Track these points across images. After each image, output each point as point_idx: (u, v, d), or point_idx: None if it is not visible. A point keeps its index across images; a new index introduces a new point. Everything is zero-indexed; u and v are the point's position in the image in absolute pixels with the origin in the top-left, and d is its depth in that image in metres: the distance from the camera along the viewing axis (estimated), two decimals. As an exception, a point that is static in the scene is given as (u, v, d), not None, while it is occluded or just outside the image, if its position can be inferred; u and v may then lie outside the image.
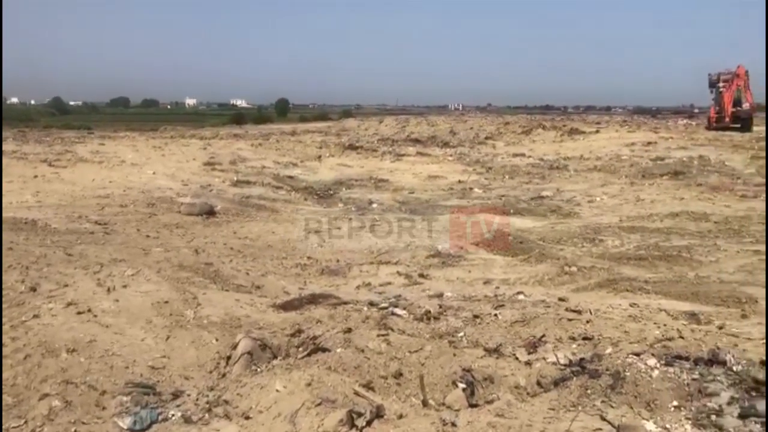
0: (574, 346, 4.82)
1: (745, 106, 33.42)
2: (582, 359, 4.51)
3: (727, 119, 33.39)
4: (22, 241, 7.92)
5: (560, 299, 6.77)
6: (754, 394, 3.79)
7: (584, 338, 4.98)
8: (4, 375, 4.17)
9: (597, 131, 33.25)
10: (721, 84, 34.43)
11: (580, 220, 12.61)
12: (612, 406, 3.83)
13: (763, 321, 6.21)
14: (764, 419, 3.52)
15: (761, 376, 3.96)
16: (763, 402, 3.66)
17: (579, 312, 5.90)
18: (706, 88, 36.23)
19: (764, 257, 9.00)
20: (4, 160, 17.00)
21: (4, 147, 20.61)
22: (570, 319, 5.51)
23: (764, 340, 4.90)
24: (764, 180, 17.06)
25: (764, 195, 14.82)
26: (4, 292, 5.60)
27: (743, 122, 32.81)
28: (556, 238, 10.57)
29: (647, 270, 8.64)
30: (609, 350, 4.58)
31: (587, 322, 5.42)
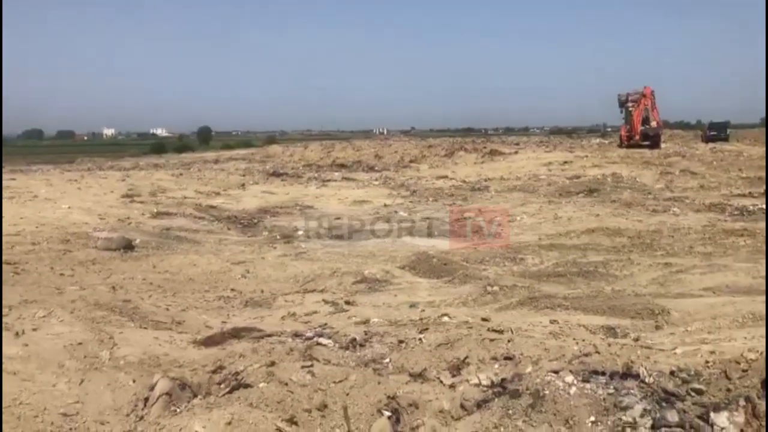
0: (497, 366, 4.89)
1: (653, 124, 35.31)
2: (503, 380, 4.59)
3: (637, 137, 35.19)
4: None
5: (483, 319, 6.89)
6: (664, 404, 3.95)
7: (506, 358, 5.07)
8: None
9: (516, 152, 34.39)
10: (630, 104, 36.28)
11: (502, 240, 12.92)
12: (533, 426, 3.91)
13: (675, 331, 6.52)
14: (673, 429, 3.68)
15: (671, 386, 4.14)
16: (674, 411, 3.83)
17: (501, 332, 6.00)
18: (616, 108, 38.06)
19: (674, 269, 9.46)
20: None
21: None
22: (492, 339, 5.59)
23: (675, 350, 5.14)
24: (673, 195, 17.97)
25: (672, 210, 15.61)
26: None
27: (652, 140, 34.67)
28: (479, 259, 10.78)
29: (566, 286, 8.91)
30: (529, 369, 4.67)
31: (509, 341, 5.52)
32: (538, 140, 47.37)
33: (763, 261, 9.52)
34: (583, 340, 5.50)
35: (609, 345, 5.26)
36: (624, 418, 3.84)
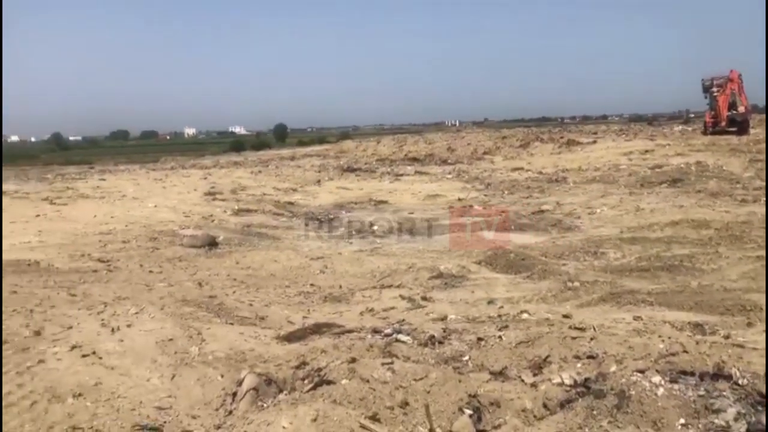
0: (579, 365, 4.81)
1: (741, 109, 33.55)
2: (587, 379, 4.51)
3: (723, 123, 33.52)
4: (26, 284, 7.95)
5: (564, 316, 6.78)
6: (760, 408, 3.79)
7: (589, 357, 4.98)
8: (12, 423, 4.17)
9: (594, 141, 33.40)
10: (715, 89, 34.60)
11: (581, 233, 12.63)
12: (618, 427, 3.84)
13: (769, 329, 6.22)
14: None
15: (767, 389, 3.97)
16: (769, 415, 3.67)
17: (583, 329, 5.91)
18: (700, 93, 36.39)
19: (766, 263, 9.01)
20: (7, 201, 17.11)
21: (5, 187, 20.75)
22: (574, 337, 5.51)
23: (768, 349, 4.92)
24: (764, 183, 17.07)
25: (764, 198, 14.83)
26: (9, 338, 5.63)
27: (740, 126, 32.93)
28: (558, 253, 10.58)
29: (650, 281, 8.64)
30: (613, 368, 4.57)
31: (591, 339, 5.42)
32: (617, 128, 45.81)
33: None
34: (669, 338, 5.32)
35: (697, 343, 5.08)
36: (716, 421, 3.70)
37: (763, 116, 43.86)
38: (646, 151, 27.38)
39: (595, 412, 4.03)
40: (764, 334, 5.94)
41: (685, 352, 4.76)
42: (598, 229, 12.89)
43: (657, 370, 4.37)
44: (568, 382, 4.54)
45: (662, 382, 4.16)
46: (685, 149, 26.79)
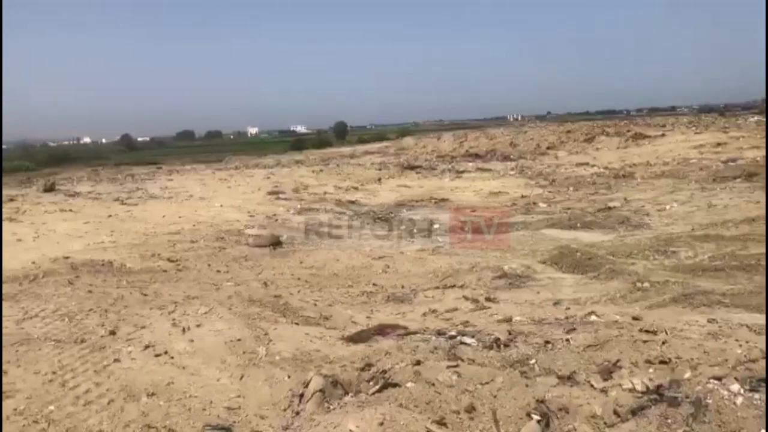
0: (651, 370, 4.66)
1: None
2: (659, 386, 4.37)
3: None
4: (100, 284, 8.28)
5: (634, 318, 6.58)
6: None
7: (661, 362, 4.82)
8: (90, 421, 4.34)
9: (663, 135, 32.36)
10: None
11: (651, 231, 12.25)
12: (695, 437, 3.70)
13: None
14: None
15: None
16: None
17: (654, 332, 5.71)
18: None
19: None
20: (81, 202, 17.86)
21: (80, 188, 21.67)
22: (645, 341, 5.34)
23: None
24: None
25: None
26: (86, 337, 5.87)
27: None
28: (626, 252, 10.30)
29: (724, 282, 8.31)
30: (688, 374, 4.42)
31: (663, 343, 5.24)
32: (686, 120, 44.09)
33: None
34: (747, 342, 5.10)
35: (778, 349, 4.85)
36: (801, 434, 3.53)
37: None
38: (719, 144, 26.33)
39: (669, 421, 3.90)
40: None
41: (765, 358, 4.56)
42: (668, 227, 12.48)
43: (735, 378, 4.19)
44: (639, 388, 4.40)
45: (741, 391, 4.00)
46: (761, 141, 25.58)
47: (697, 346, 5.03)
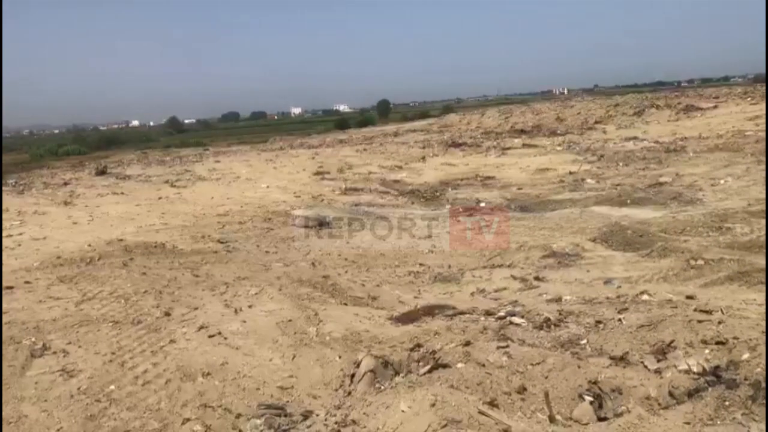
0: (707, 351, 4.56)
1: None
2: (716, 367, 4.27)
3: None
4: (154, 265, 8.49)
5: (688, 297, 6.43)
6: None
7: (717, 342, 4.69)
8: (150, 400, 4.48)
9: (715, 106, 31.32)
10: None
11: (704, 206, 11.90)
12: (755, 420, 3.61)
13: None
14: None
15: None
16: None
17: (709, 312, 5.57)
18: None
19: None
20: (132, 184, 18.30)
21: (131, 171, 22.19)
22: (700, 321, 5.21)
23: None
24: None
25: None
26: (142, 318, 6.04)
27: None
28: (679, 229, 10.03)
29: (783, 258, 8.03)
30: (746, 356, 4.30)
31: (719, 323, 5.10)
32: (741, 91, 42.44)
33: None
34: (809, 322, 4.93)
35: (842, 329, 4.68)
36: None
37: None
38: (776, 115, 25.33)
39: (727, 403, 3.81)
40: None
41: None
42: (722, 202, 12.10)
43: (797, 359, 4.07)
44: (695, 369, 4.31)
45: (803, 373, 3.88)
46: (822, 111, 24.54)
47: (755, 326, 4.89)
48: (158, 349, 5.26)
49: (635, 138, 25.53)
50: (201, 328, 5.71)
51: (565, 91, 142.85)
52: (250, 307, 6.35)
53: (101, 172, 21.06)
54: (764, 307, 5.89)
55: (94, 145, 58.09)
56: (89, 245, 10.01)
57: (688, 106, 32.65)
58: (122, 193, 16.44)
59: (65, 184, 18.54)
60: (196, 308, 6.33)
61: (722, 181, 14.26)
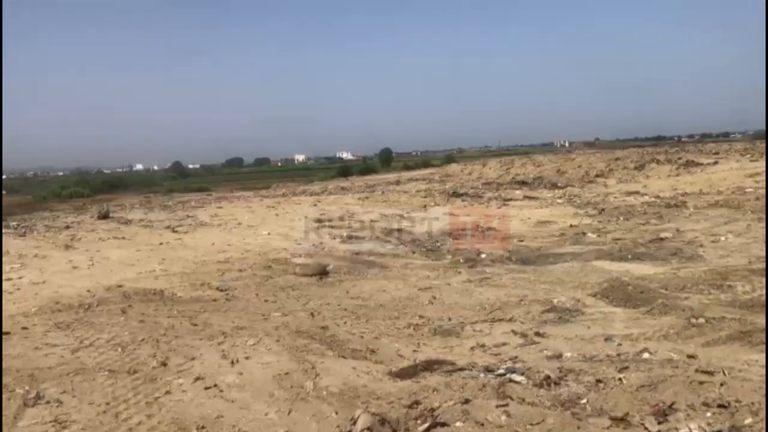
0: (709, 414, 4.50)
1: None
2: (719, 431, 4.21)
3: None
4: (152, 313, 8.45)
5: (689, 356, 6.38)
6: None
7: (719, 405, 4.65)
8: (142, 454, 4.41)
9: (716, 162, 31.59)
10: None
11: (705, 263, 11.88)
12: (758, 489, 3.54)
13: None
14: None
15: None
16: None
17: (711, 373, 5.52)
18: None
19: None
20: (134, 229, 18.34)
21: (133, 215, 22.26)
22: (701, 382, 5.16)
23: None
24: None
25: None
26: (138, 368, 5.98)
27: None
28: (680, 286, 10.00)
29: (785, 319, 7.98)
30: (749, 420, 4.26)
31: (721, 384, 5.06)
32: (741, 147, 42.83)
33: None
34: (813, 385, 4.88)
35: None
36: None
37: None
38: (776, 172, 25.51)
39: (729, 471, 3.75)
40: None
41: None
42: (723, 259, 12.09)
43: (801, 426, 4.01)
44: (697, 433, 4.26)
45: (808, 440, 3.82)
46: (822, 169, 24.72)
47: (758, 389, 4.85)
48: (153, 400, 5.20)
49: (636, 192, 25.67)
50: (197, 379, 5.65)
51: (567, 144, 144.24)
52: (247, 358, 6.30)
53: (103, 216, 21.09)
54: (765, 368, 5.84)
55: (97, 188, 58.60)
56: (88, 291, 9.98)
57: (689, 161, 32.92)
58: (123, 238, 16.47)
59: (67, 227, 18.57)
60: (192, 358, 6.27)
61: (723, 238, 14.28)
